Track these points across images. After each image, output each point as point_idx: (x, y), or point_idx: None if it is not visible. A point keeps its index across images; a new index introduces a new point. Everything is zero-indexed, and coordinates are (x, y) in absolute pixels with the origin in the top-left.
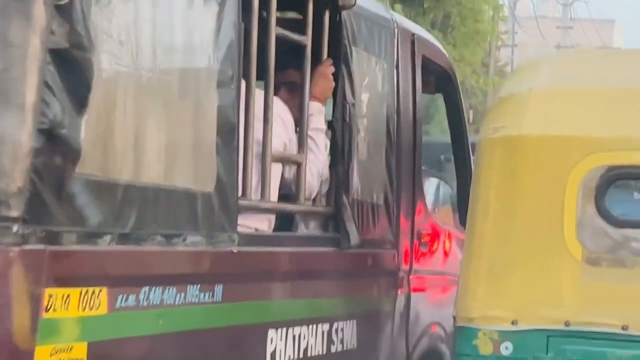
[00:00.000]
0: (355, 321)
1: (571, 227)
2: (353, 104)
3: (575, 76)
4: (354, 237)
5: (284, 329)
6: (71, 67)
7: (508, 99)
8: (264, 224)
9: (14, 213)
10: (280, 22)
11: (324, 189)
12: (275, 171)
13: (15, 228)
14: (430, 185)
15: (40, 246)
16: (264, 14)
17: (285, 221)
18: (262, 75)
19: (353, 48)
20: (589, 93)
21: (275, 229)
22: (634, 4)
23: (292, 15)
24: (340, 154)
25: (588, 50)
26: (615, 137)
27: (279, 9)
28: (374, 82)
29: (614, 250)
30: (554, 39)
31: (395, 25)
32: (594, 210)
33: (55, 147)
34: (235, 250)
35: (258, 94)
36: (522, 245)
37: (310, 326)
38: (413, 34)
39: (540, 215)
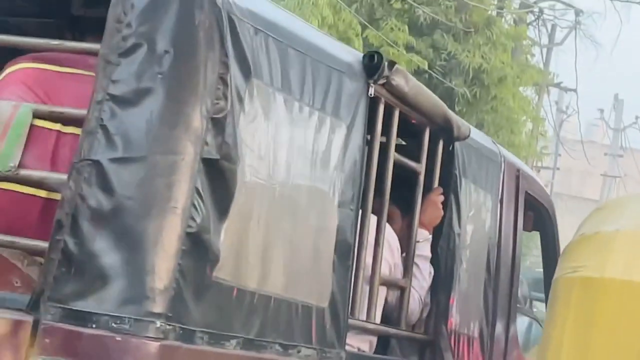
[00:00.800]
0: None
1: None
2: (459, 235)
3: None
4: None
5: None
6: (219, 177)
7: (591, 237)
8: (366, 344)
9: (158, 309)
10: (397, 149)
11: (424, 316)
12: (381, 294)
13: (158, 324)
14: (522, 323)
15: (178, 343)
16: (384, 139)
17: (382, 344)
18: (377, 199)
19: (463, 179)
20: None
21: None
22: None
23: (409, 142)
24: (442, 282)
25: None
26: None
27: (397, 135)
28: (479, 214)
29: None
30: (601, 166)
31: (503, 160)
32: None
33: (199, 250)
34: None
35: (372, 217)
36: None
37: None
38: (518, 169)
39: None
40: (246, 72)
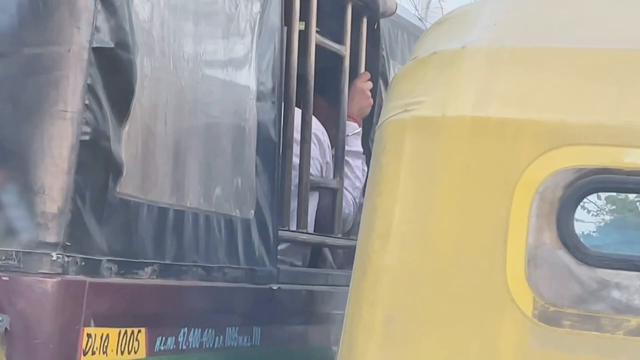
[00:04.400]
0: None
1: (518, 263)
2: None
3: (537, 28)
4: None
5: None
6: (115, 70)
7: (427, 61)
8: (298, 258)
9: (53, 238)
10: (318, 33)
11: (358, 220)
12: (312, 199)
13: (54, 256)
14: None
15: (80, 277)
16: (303, 23)
17: (314, 255)
18: (300, 89)
19: (391, 61)
20: (558, 55)
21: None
22: None
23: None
24: None
25: None
26: (593, 125)
27: (317, 17)
28: None
29: (583, 303)
30: None
31: None
32: (555, 237)
33: (98, 161)
34: (275, 287)
35: (296, 111)
36: (440, 288)
37: None
38: None
39: (471, 241)
40: None
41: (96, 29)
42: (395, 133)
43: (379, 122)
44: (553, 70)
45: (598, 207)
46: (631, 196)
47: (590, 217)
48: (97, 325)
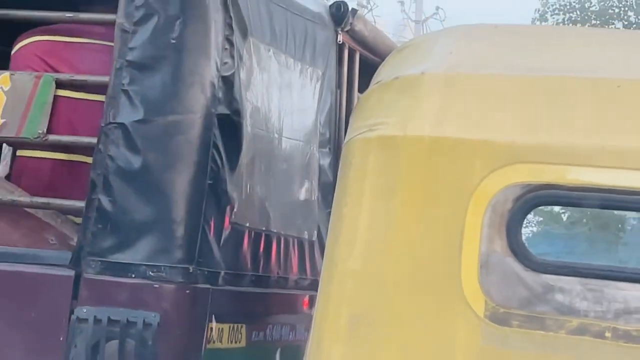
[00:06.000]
0: None
1: (472, 269)
2: None
3: (488, 58)
4: None
5: None
6: (230, 131)
7: (390, 85)
8: None
9: (189, 256)
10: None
11: None
12: None
13: (190, 269)
14: None
15: (206, 285)
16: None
17: None
18: None
19: None
20: (507, 82)
21: None
22: None
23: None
24: None
25: (509, 25)
26: (539, 145)
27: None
28: None
29: (529, 305)
30: None
31: None
32: (505, 246)
33: (218, 199)
34: None
35: None
36: (400, 292)
37: None
38: None
39: (430, 249)
40: (244, 31)
41: (218, 101)
42: (361, 150)
43: (346, 140)
44: (503, 95)
45: (544, 219)
46: (573, 209)
47: (537, 227)
48: (217, 321)
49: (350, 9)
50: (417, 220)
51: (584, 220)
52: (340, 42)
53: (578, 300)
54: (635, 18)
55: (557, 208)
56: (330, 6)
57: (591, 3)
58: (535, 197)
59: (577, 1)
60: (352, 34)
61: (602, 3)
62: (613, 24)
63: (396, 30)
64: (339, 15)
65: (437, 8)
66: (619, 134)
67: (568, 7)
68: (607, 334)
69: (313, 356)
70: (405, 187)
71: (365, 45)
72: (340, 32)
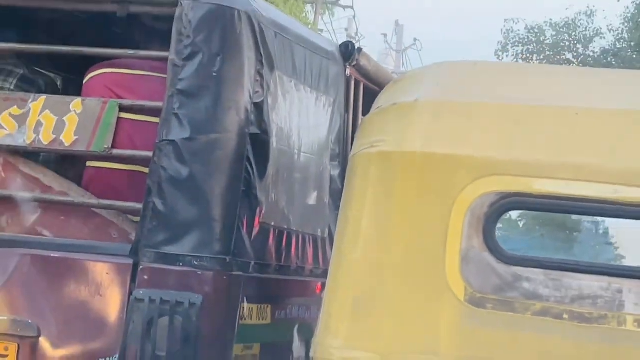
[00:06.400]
0: None
1: (454, 261)
2: None
3: (469, 88)
4: None
5: None
6: (260, 147)
7: (388, 109)
8: None
9: (227, 248)
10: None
11: None
12: None
13: (228, 259)
14: None
15: (240, 273)
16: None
17: None
18: None
19: None
20: (484, 108)
21: None
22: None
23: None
24: None
25: (485, 62)
26: (510, 160)
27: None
28: None
29: (501, 291)
30: None
31: None
32: (481, 242)
33: (250, 203)
34: None
35: None
36: (395, 279)
37: None
38: None
39: (419, 245)
40: (272, 66)
41: (250, 122)
42: (364, 163)
43: (351, 154)
44: (481, 119)
45: (514, 221)
46: (538, 214)
47: (508, 228)
48: (248, 302)
49: (357, 47)
50: (410, 221)
51: (548, 222)
52: (349, 75)
53: (541, 288)
54: (583, 50)
55: (526, 212)
56: (340, 45)
57: (546, 37)
58: (507, 203)
59: (533, 35)
60: (358, 68)
61: (555, 37)
62: (564, 54)
63: (380, 58)
64: (348, 53)
65: (415, 40)
66: (576, 152)
67: (526, 40)
68: (565, 316)
69: (324, 331)
70: (400, 194)
71: (368, 77)
72: (348, 66)
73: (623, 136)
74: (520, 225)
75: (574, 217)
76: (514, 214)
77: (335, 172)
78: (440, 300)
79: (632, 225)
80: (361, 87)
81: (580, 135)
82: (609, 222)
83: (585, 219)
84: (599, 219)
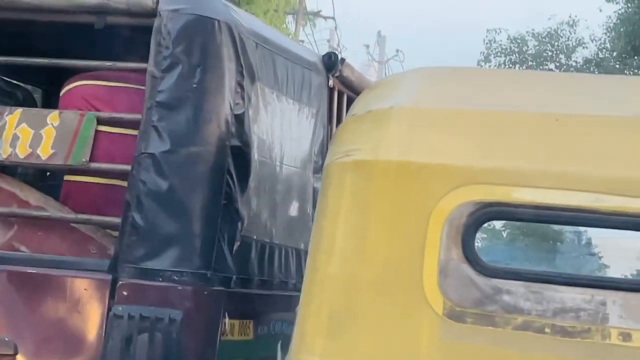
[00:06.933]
0: None
1: (432, 274)
2: None
3: (446, 95)
4: None
5: None
6: (241, 160)
7: (364, 117)
8: None
9: (207, 263)
10: None
11: None
12: None
13: (208, 274)
14: None
15: (221, 288)
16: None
17: None
18: None
19: None
20: (462, 115)
21: None
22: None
23: None
24: None
25: (463, 68)
26: (489, 168)
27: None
28: None
29: (481, 304)
30: None
31: None
32: (460, 254)
33: (231, 217)
34: None
35: None
36: (372, 293)
37: None
38: None
39: (397, 256)
40: (253, 77)
41: (231, 135)
42: (339, 172)
43: (326, 163)
44: (459, 126)
45: (494, 231)
46: (518, 223)
47: (488, 238)
48: (230, 318)
49: (339, 58)
50: (386, 232)
51: (530, 233)
52: (331, 86)
53: (522, 301)
54: (565, 60)
55: (505, 222)
56: (323, 56)
57: (528, 47)
58: (486, 213)
59: (516, 45)
60: (341, 79)
61: (537, 47)
62: (547, 65)
63: (362, 69)
64: (330, 63)
65: (397, 51)
66: (556, 160)
67: (508, 50)
68: (547, 330)
69: (298, 347)
70: (376, 204)
71: (351, 88)
72: (331, 77)
73: (605, 143)
74: (504, 235)
75: (557, 227)
76: (497, 224)
77: (319, 185)
78: (418, 315)
79: (616, 235)
80: (344, 98)
81: (561, 143)
82: (592, 232)
83: (568, 228)
84: (582, 228)
